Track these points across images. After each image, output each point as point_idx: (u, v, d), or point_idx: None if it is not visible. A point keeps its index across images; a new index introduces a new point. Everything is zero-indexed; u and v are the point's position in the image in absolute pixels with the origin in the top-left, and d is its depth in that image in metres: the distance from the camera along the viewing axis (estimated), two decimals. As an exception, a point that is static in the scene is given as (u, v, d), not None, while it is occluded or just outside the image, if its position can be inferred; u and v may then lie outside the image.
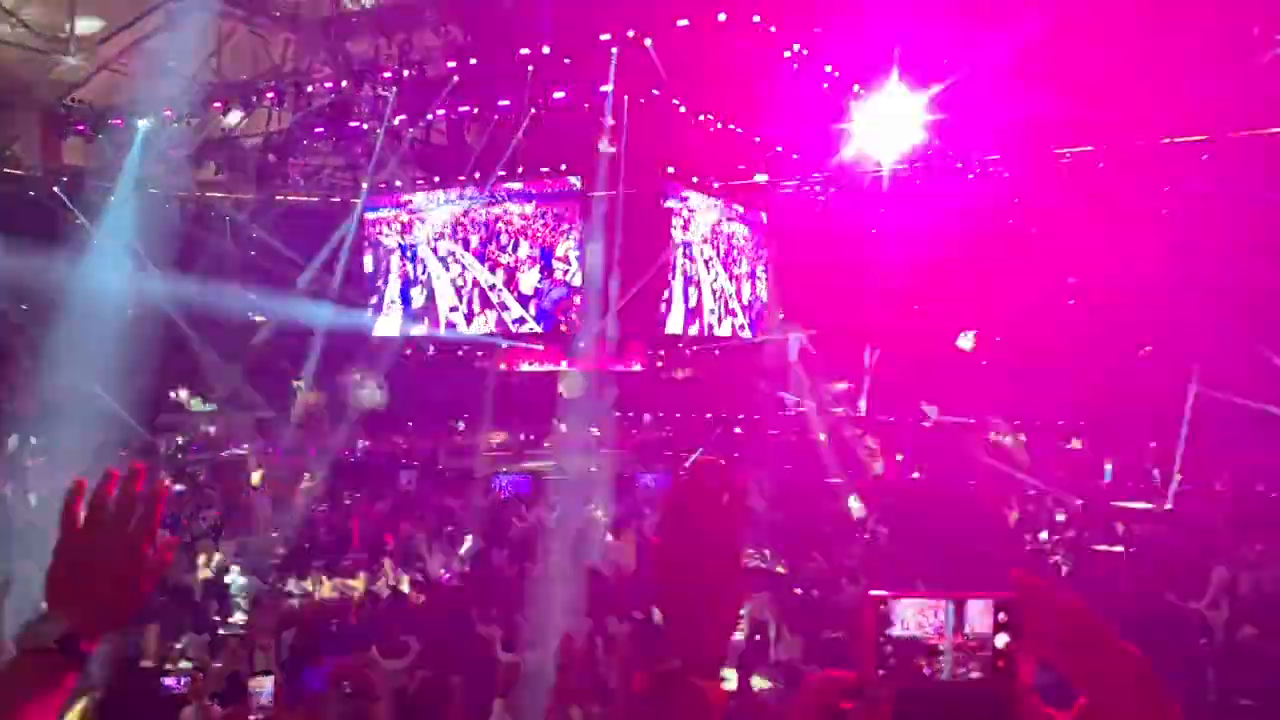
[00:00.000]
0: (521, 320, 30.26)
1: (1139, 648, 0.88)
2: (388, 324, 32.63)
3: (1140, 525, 20.71)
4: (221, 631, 14.30)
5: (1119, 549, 19.34)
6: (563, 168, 29.62)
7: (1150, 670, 0.84)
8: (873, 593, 0.91)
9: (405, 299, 32.26)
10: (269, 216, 35.53)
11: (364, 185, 33.69)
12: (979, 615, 0.90)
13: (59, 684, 1.38)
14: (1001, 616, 0.89)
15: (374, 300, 32.96)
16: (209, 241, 34.93)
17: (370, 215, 33.30)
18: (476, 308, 30.73)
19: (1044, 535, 20.67)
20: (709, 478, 1.26)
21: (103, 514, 1.46)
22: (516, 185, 30.62)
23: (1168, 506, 22.45)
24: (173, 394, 35.38)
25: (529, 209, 30.21)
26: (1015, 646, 0.88)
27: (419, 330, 32.30)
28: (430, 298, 31.58)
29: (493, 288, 30.39)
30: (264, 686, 3.59)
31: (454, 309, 31.08)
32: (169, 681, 5.72)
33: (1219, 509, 22.27)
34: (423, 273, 31.76)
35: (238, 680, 6.77)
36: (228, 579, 17.13)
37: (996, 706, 0.89)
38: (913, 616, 0.89)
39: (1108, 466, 27.34)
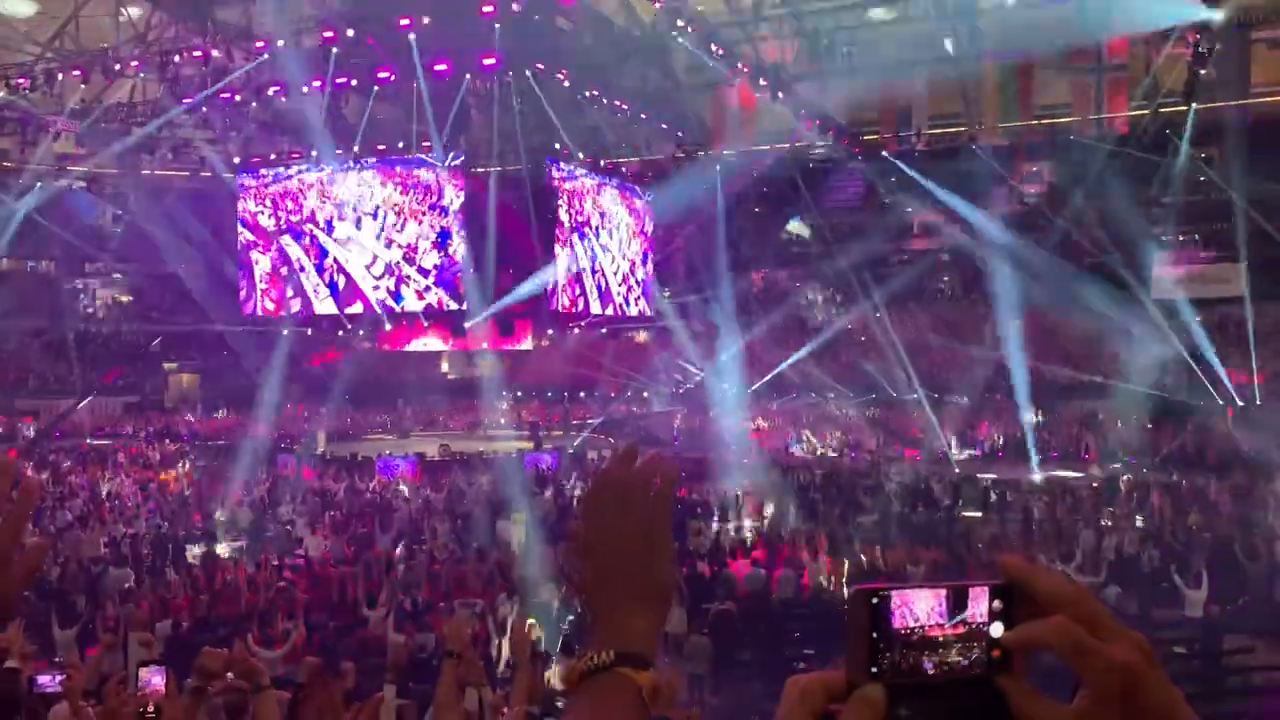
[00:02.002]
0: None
1: None
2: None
3: (1013, 492, 21.52)
4: (92, 625, 13.67)
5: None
6: (445, 142, 29.05)
7: (1151, 654, 0.81)
8: (863, 586, 0.85)
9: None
10: (136, 192, 34.03)
11: (236, 160, 32.45)
12: (977, 605, 0.85)
13: None
14: (996, 604, 0.85)
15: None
16: (71, 218, 33.29)
17: (245, 192, 32.04)
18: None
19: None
20: (634, 463, 1.22)
21: None
22: (396, 158, 29.89)
23: (1036, 476, 23.39)
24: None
25: (412, 184, 29.53)
26: (1009, 637, 0.84)
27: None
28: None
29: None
30: (153, 677, 3.41)
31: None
32: (42, 679, 5.39)
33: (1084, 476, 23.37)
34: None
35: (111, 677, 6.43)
36: (97, 570, 16.35)
37: (993, 698, 0.84)
38: (909, 610, 0.84)
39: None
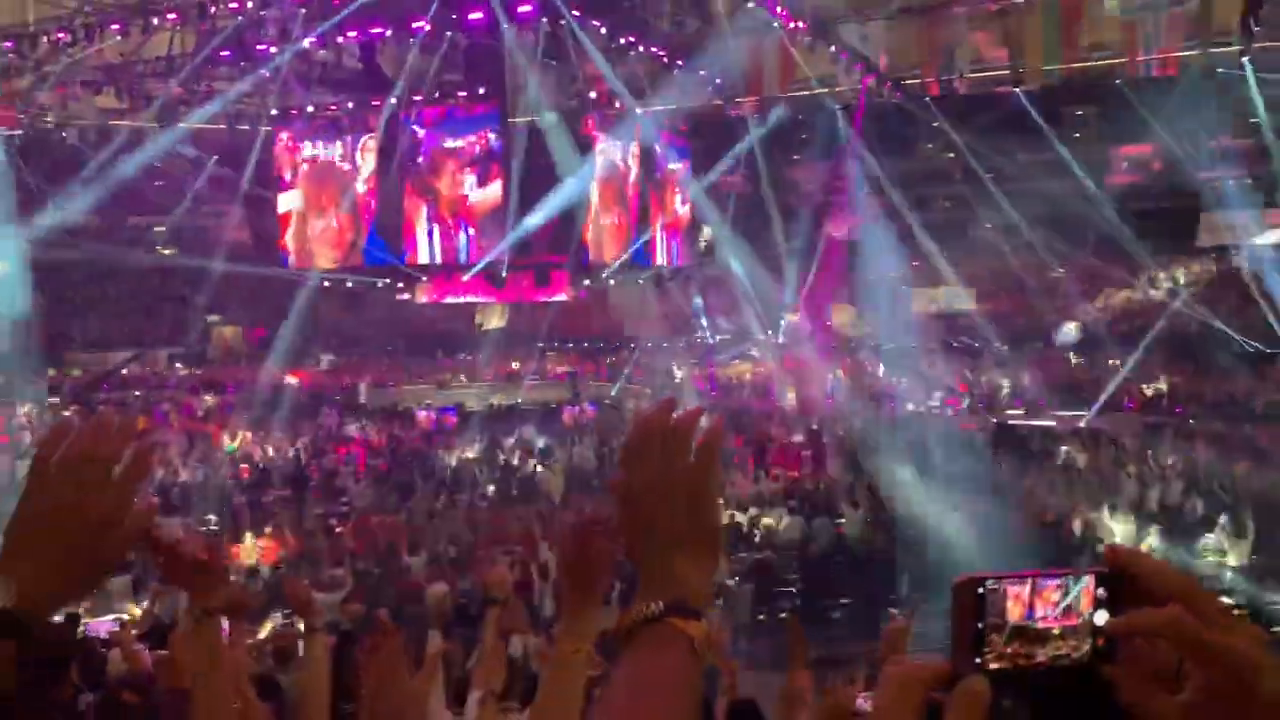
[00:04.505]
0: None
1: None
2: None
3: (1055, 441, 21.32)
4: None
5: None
6: (481, 92, 28.84)
7: (1265, 644, 0.77)
8: (971, 575, 0.82)
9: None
10: (173, 145, 34.15)
11: (274, 112, 32.42)
12: (1086, 594, 0.82)
13: None
14: (1100, 592, 0.82)
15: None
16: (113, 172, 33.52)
17: (281, 144, 32.03)
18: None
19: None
20: (672, 413, 1.18)
21: (83, 466, 1.24)
22: (434, 110, 29.70)
23: (1082, 423, 23.13)
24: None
25: (449, 135, 29.36)
26: (1117, 624, 0.80)
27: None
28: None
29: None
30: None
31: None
32: (93, 625, 5.51)
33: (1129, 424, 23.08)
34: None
35: (165, 622, 6.58)
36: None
37: (1098, 686, 0.81)
38: (1018, 600, 0.81)
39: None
